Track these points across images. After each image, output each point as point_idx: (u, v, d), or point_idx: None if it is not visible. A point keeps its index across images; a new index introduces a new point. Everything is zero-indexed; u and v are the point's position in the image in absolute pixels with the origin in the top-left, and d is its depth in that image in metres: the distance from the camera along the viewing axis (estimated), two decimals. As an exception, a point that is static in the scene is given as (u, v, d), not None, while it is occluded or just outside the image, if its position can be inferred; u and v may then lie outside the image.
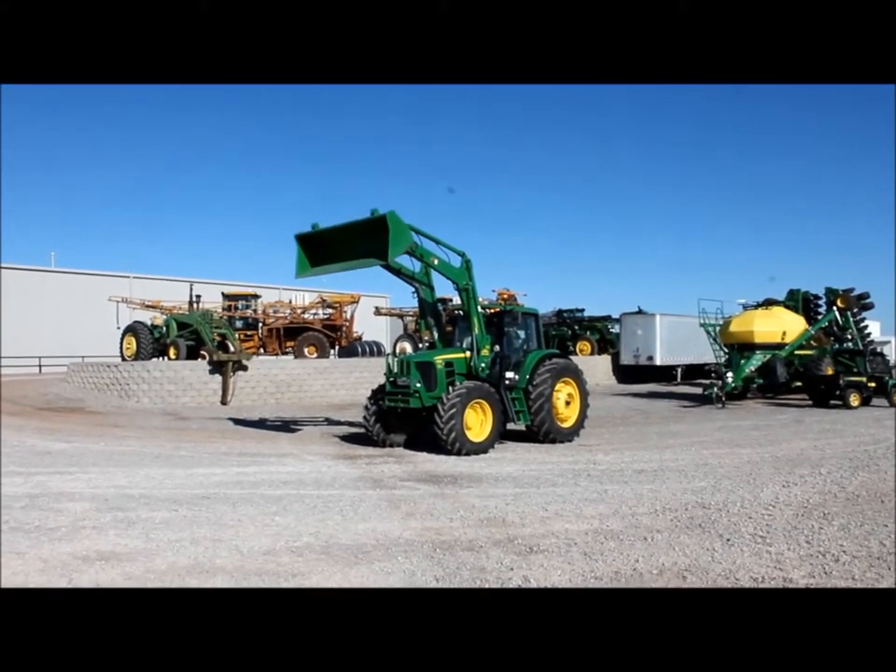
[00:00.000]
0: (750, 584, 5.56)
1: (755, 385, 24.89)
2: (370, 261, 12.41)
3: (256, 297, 29.86)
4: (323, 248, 13.02)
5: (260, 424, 18.22)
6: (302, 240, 13.11)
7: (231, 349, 24.85)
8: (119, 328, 27.86)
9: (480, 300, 14.57)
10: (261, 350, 28.41)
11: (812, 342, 25.51)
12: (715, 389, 22.66)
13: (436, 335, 14.41)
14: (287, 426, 17.57)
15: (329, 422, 18.43)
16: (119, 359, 26.35)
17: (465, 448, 12.42)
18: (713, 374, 24.39)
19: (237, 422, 18.61)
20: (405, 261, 12.91)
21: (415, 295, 14.08)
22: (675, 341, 35.19)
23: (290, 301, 31.30)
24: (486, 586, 5.56)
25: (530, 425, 13.97)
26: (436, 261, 13.07)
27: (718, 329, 26.58)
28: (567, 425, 14.50)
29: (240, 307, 29.29)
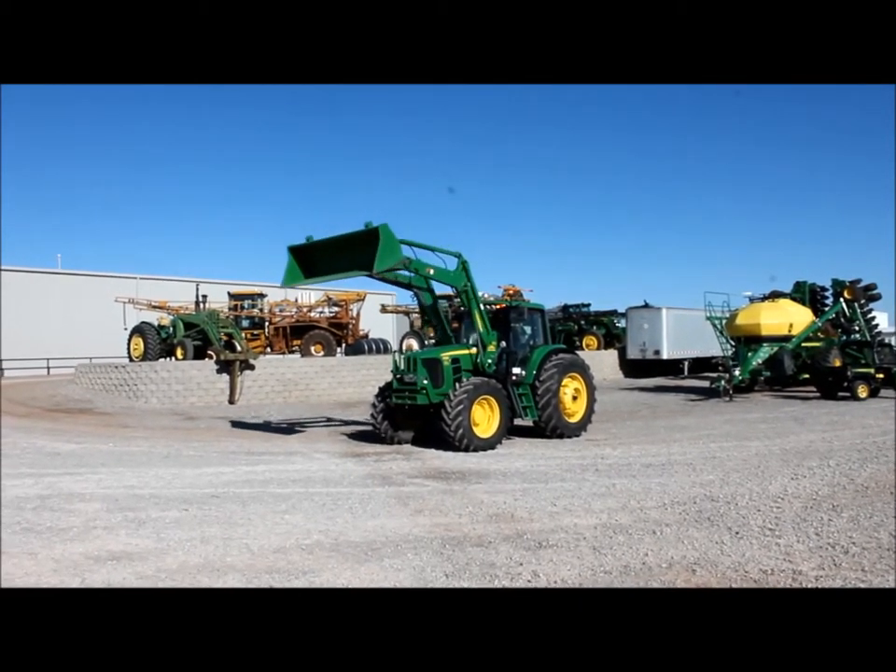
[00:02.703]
0: (760, 577, 5.57)
1: (762, 378, 24.86)
2: (356, 272, 12.52)
3: (262, 296, 29.88)
4: (316, 259, 13.10)
5: (268, 422, 18.27)
6: (295, 251, 13.19)
7: (238, 348, 24.89)
8: (126, 329, 27.94)
9: (486, 296, 14.63)
10: (268, 349, 28.47)
11: (819, 333, 25.44)
12: (722, 382, 22.60)
13: (441, 334, 14.45)
14: (294, 425, 17.61)
15: (338, 421, 18.46)
16: (127, 360, 26.43)
17: (472, 444, 12.44)
18: (720, 367, 24.34)
19: (245, 423, 18.66)
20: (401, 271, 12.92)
21: (415, 299, 14.12)
22: (681, 334, 35.10)
23: (296, 300, 31.29)
24: (494, 585, 5.57)
25: (537, 420, 13.98)
26: (432, 271, 13.07)
27: (724, 322, 26.53)
28: (574, 420, 14.50)
29: (246, 306, 29.32)
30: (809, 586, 5.35)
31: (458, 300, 13.72)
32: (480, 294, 13.99)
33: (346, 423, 17.62)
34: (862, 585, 5.36)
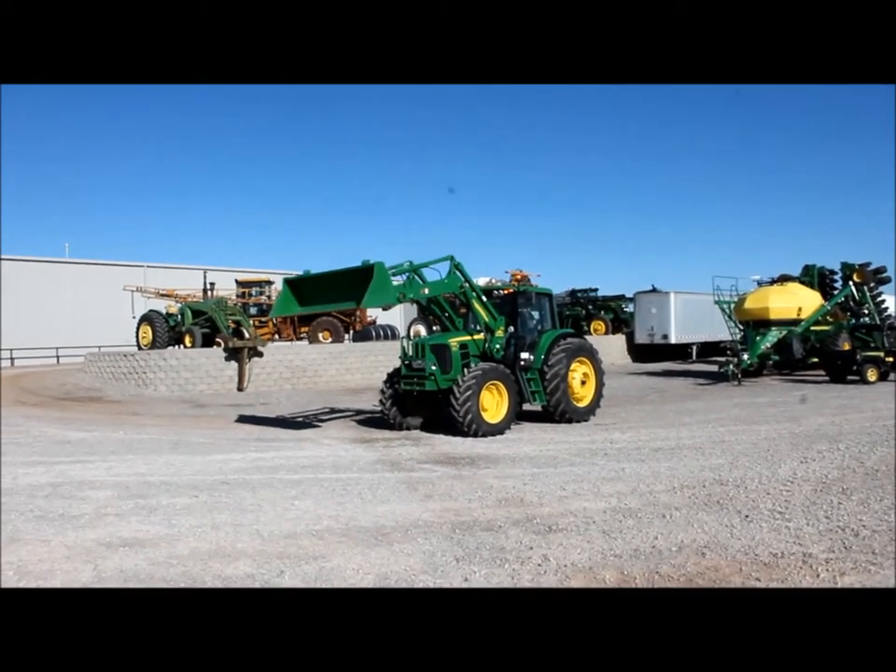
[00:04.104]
0: (770, 560, 5.57)
1: (771, 362, 24.78)
2: (346, 304, 13.21)
3: (269, 283, 29.91)
4: (310, 291, 13.33)
5: (277, 410, 18.32)
6: (291, 283, 13.43)
7: (246, 336, 24.95)
8: (134, 317, 28.07)
9: (493, 281, 14.59)
10: (276, 336, 28.51)
11: (828, 317, 25.32)
12: (731, 366, 22.53)
13: (444, 326, 14.48)
14: (305, 413, 17.66)
15: (352, 412, 18.51)
16: (136, 348, 26.54)
17: (481, 429, 12.45)
18: (729, 352, 24.28)
19: (254, 417, 18.71)
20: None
21: (414, 303, 14.22)
22: (690, 319, 35.01)
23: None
24: (504, 569, 5.59)
25: (546, 405, 13.98)
26: (427, 291, 13.10)
27: (733, 306, 26.40)
28: (582, 404, 14.50)
29: (254, 294, 29.37)
30: (819, 568, 5.35)
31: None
32: (488, 280, 14.00)
33: (358, 413, 17.66)
34: (873, 568, 5.36)
